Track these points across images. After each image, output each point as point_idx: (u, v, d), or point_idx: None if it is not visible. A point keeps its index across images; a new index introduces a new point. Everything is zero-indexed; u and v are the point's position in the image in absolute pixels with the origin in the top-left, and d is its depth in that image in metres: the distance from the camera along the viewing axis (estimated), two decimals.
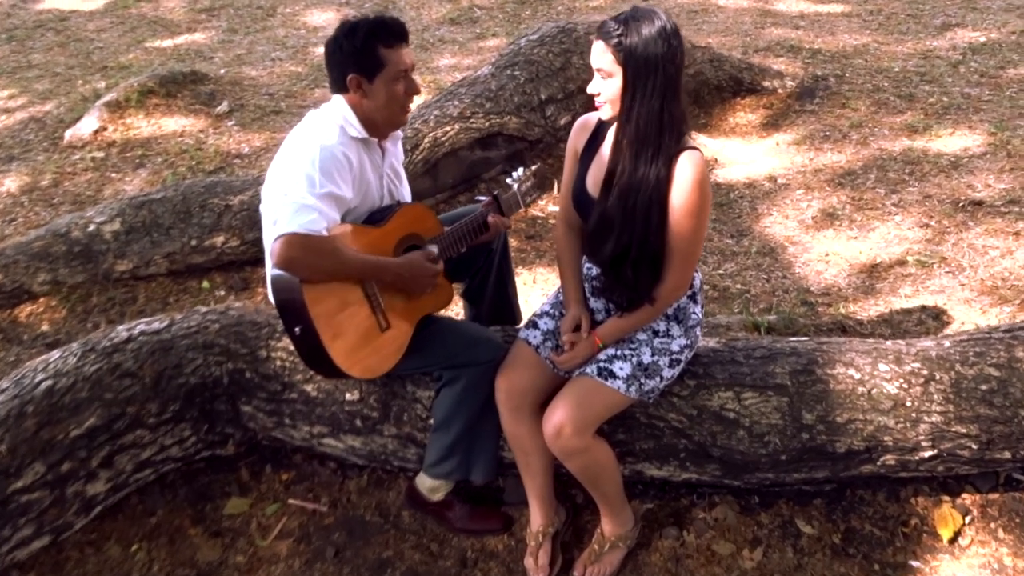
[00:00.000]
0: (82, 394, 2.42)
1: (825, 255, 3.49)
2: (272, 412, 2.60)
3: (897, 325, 3.02)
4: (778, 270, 3.44)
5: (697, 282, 2.34)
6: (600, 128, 2.32)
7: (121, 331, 2.59)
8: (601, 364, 2.26)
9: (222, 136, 4.88)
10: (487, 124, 4.07)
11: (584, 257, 2.42)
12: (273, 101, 5.33)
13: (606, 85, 2.10)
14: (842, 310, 3.14)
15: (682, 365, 2.35)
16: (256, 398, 2.59)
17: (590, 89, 2.14)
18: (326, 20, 6.94)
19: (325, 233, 2.02)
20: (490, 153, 4.16)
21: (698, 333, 2.40)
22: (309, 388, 2.55)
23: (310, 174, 2.06)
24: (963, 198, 3.68)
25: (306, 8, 7.23)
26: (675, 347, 2.32)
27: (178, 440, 2.57)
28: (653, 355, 2.29)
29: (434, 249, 2.33)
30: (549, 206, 3.97)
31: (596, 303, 2.39)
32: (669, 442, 2.42)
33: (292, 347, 2.53)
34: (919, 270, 3.30)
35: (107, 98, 5.11)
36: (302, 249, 1.99)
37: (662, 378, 2.29)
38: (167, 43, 6.59)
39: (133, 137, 4.85)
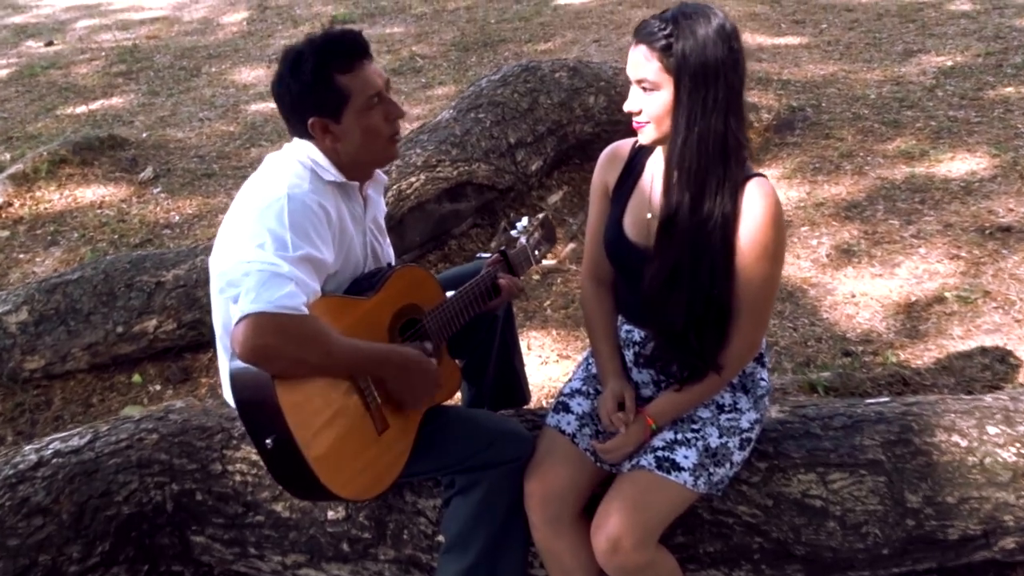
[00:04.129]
0: None
1: (852, 296, 3.10)
2: (232, 541, 2.04)
3: (960, 372, 2.62)
4: (804, 316, 3.04)
5: (764, 343, 1.90)
6: (636, 158, 1.88)
7: (28, 453, 2.00)
8: (660, 453, 1.78)
9: (147, 205, 4.31)
10: (455, 173, 3.60)
11: (621, 318, 1.96)
12: (204, 164, 4.78)
13: (650, 100, 1.66)
14: (892, 359, 2.73)
15: (752, 444, 1.89)
16: (211, 525, 2.03)
17: (627, 107, 1.70)
18: (256, 77, 6.43)
19: (305, 311, 1.50)
20: (459, 205, 3.69)
21: (767, 404, 1.95)
22: (279, 508, 2.00)
23: (278, 233, 1.55)
24: (988, 225, 3.35)
25: (233, 66, 6.72)
26: (744, 424, 1.86)
27: None
28: (721, 436, 1.82)
29: (428, 346, 1.83)
30: None
31: (641, 375, 1.92)
32: (740, 542, 1.94)
33: (255, 456, 2.00)
34: (962, 307, 2.93)
35: (12, 170, 4.50)
36: (276, 335, 1.46)
37: (732, 464, 1.83)
38: (80, 109, 5.98)
39: (44, 212, 4.24)
